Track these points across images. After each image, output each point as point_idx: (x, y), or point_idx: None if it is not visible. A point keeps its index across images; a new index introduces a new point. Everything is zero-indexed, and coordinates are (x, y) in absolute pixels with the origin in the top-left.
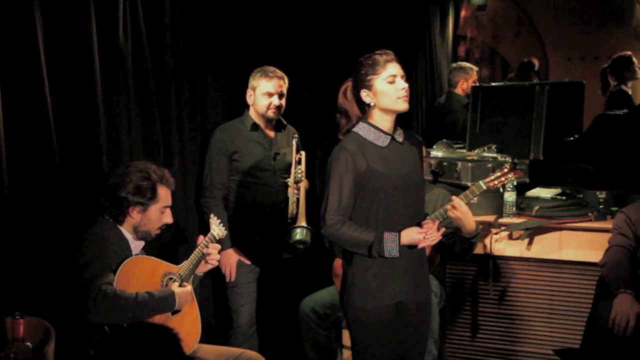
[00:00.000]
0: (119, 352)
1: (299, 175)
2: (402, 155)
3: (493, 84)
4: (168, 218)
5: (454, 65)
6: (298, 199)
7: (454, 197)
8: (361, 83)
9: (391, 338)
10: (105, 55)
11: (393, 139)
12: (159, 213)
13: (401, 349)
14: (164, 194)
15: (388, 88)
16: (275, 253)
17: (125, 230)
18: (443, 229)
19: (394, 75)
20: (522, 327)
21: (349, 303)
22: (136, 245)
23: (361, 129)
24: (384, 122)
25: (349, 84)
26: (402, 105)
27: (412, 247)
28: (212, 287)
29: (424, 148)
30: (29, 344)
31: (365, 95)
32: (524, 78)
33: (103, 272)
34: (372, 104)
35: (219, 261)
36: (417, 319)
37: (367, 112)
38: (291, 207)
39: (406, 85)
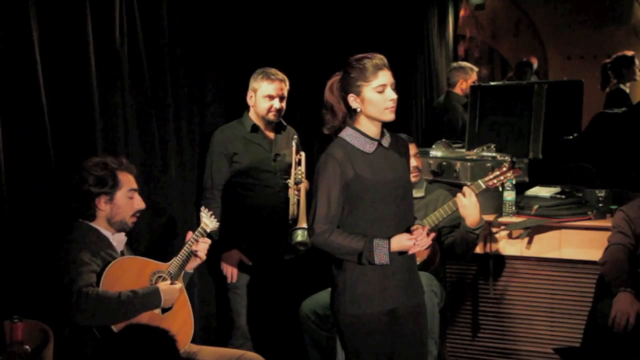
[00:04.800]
0: (114, 352)
1: (299, 176)
2: (388, 161)
3: (492, 83)
4: (139, 203)
5: (454, 64)
6: (299, 200)
7: (464, 187)
8: (349, 87)
9: (385, 344)
10: (102, 57)
11: (380, 144)
12: (126, 199)
13: (399, 354)
14: (126, 179)
15: (376, 97)
16: (277, 254)
17: (101, 227)
18: (433, 234)
19: (384, 85)
20: (522, 326)
21: (339, 309)
22: (118, 241)
23: (348, 135)
24: (371, 128)
25: (335, 79)
26: (388, 116)
27: (402, 253)
28: (213, 288)
29: (414, 145)
30: (27, 347)
31: (352, 100)
32: (521, 77)
33: (83, 274)
34: (358, 109)
35: (222, 263)
36: (413, 323)
37: (353, 117)
38: (292, 209)
39: (395, 96)
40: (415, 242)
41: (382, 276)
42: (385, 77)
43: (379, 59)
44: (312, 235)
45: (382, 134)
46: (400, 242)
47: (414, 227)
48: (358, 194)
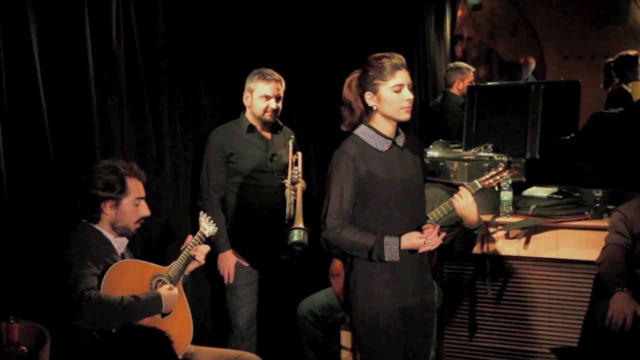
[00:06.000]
0: (111, 354)
1: (296, 177)
2: (402, 160)
3: (489, 83)
4: (144, 210)
5: (451, 65)
6: (295, 200)
7: (461, 187)
8: (367, 85)
9: (397, 341)
10: (99, 59)
11: (394, 143)
12: (132, 206)
13: (408, 352)
14: (134, 186)
15: (392, 97)
16: (273, 255)
17: (104, 230)
18: (444, 234)
19: (401, 85)
20: (519, 326)
21: (352, 306)
22: (120, 244)
23: (362, 132)
24: (386, 126)
25: (354, 76)
26: (404, 116)
27: (412, 251)
28: (210, 289)
29: None
30: (24, 347)
31: (369, 98)
32: (512, 79)
33: (85, 277)
34: (374, 108)
35: (218, 263)
36: (423, 321)
37: (369, 114)
38: (288, 209)
39: (411, 96)
40: (425, 240)
41: (392, 273)
42: (402, 77)
43: (398, 58)
44: (324, 230)
45: (397, 133)
46: (410, 240)
47: (425, 226)
48: (370, 191)
